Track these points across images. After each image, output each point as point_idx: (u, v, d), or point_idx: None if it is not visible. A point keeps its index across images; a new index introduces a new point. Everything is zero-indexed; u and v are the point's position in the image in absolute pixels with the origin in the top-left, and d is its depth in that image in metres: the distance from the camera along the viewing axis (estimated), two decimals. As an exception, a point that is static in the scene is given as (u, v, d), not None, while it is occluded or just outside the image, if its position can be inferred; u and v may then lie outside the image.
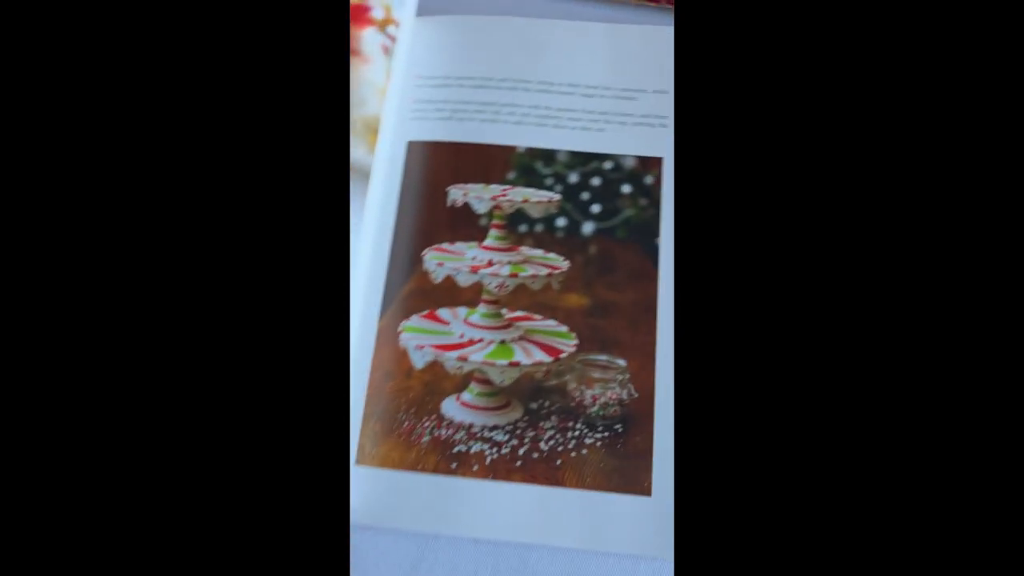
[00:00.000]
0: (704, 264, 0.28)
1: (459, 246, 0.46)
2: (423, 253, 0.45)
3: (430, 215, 0.46)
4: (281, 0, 0.29)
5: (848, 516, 0.27)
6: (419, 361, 0.42)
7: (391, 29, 0.44)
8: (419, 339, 0.43)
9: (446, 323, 0.44)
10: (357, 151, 0.42)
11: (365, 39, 0.42)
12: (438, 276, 0.44)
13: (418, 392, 0.42)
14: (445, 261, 0.44)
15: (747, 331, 0.28)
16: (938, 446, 0.27)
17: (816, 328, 0.28)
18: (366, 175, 0.42)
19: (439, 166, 0.47)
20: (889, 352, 0.27)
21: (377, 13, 0.43)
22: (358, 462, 0.40)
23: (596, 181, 0.47)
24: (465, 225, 0.46)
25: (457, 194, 0.45)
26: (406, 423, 0.41)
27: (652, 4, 0.52)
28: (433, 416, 0.42)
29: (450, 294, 0.45)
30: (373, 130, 0.42)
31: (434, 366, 0.42)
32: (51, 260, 0.27)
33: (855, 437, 0.27)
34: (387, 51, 0.44)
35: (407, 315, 0.44)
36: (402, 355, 0.43)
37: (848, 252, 0.28)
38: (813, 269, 0.28)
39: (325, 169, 0.29)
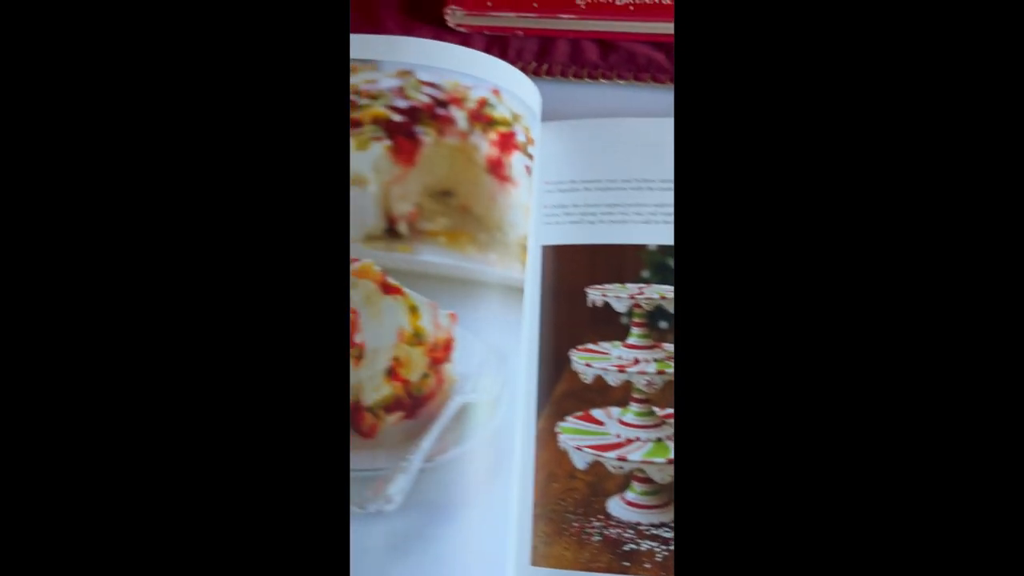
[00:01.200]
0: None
1: (603, 346, 0.48)
2: (569, 353, 0.47)
3: (571, 316, 0.49)
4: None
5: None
6: (580, 462, 0.45)
7: (531, 149, 0.47)
8: (577, 440, 0.46)
9: (601, 423, 0.47)
10: (513, 271, 0.45)
11: (514, 165, 0.45)
12: (587, 376, 0.47)
13: (583, 492, 0.45)
14: (592, 361, 0.47)
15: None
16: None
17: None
18: (521, 291, 0.45)
19: (574, 268, 0.50)
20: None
21: (520, 137, 0.46)
22: (533, 563, 0.43)
23: (726, 274, 0.49)
24: (606, 324, 0.49)
25: (596, 295, 0.48)
26: (575, 523, 0.44)
27: (658, 84, 0.54)
28: (600, 515, 0.44)
29: (601, 394, 0.48)
30: (525, 248, 0.45)
31: (595, 466, 0.45)
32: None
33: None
34: (529, 171, 0.47)
35: (562, 416, 0.47)
36: (562, 456, 0.45)
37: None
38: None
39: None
